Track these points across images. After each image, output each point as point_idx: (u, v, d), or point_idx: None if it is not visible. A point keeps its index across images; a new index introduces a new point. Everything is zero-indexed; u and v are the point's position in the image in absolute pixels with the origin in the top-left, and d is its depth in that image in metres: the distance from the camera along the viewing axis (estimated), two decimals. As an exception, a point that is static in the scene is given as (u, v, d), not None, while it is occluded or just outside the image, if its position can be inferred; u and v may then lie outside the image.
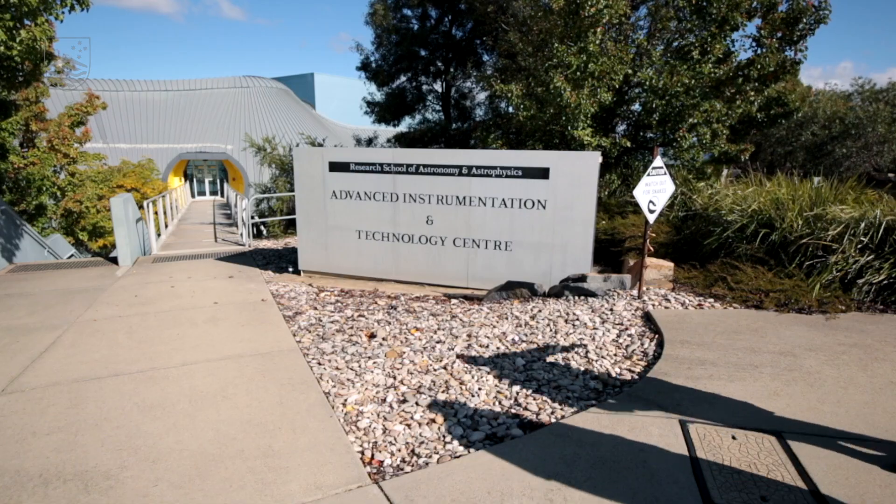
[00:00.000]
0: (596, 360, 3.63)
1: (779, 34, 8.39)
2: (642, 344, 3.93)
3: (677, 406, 2.89)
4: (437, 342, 4.12)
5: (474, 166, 5.74)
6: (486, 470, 2.38)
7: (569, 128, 8.20)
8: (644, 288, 5.20)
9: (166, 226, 12.58)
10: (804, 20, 8.24)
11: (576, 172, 5.38)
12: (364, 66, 18.37)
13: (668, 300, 4.92)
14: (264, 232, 12.34)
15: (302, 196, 6.65)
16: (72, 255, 13.24)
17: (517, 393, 3.21)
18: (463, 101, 18.57)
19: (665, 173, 5.00)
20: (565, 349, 3.87)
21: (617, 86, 8.64)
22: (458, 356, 3.82)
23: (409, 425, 2.88)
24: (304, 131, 23.10)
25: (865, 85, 23.26)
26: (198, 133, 35.95)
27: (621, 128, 10.48)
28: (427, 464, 2.51)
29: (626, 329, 4.22)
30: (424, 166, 5.96)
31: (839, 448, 2.45)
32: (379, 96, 18.79)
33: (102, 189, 15.88)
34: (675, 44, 9.03)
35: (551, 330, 4.29)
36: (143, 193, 16.51)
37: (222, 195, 32.61)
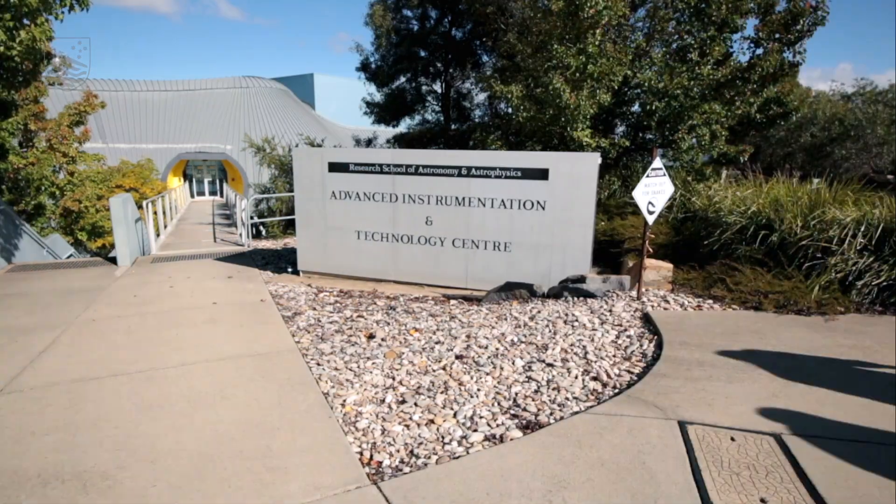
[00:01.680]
0: (595, 362, 3.63)
1: (777, 36, 8.40)
2: (641, 345, 3.93)
3: (676, 407, 2.89)
4: (436, 343, 4.12)
5: (473, 167, 5.75)
6: (484, 471, 2.38)
7: (568, 129, 8.21)
8: (643, 289, 5.20)
9: (165, 226, 12.57)
10: (802, 21, 8.25)
11: (575, 173, 5.39)
12: (364, 67, 18.37)
13: (668, 301, 4.92)
14: (263, 232, 12.34)
15: (301, 196, 6.65)
16: (71, 255, 13.22)
17: (516, 394, 3.21)
18: (462, 101, 18.55)
19: (664, 174, 5.01)
20: (564, 350, 3.87)
21: (616, 87, 8.63)
22: (457, 357, 3.81)
23: (407, 426, 2.88)
24: (304, 132, 23.07)
25: (867, 86, 23.23)
26: (197, 133, 35.94)
27: (620, 129, 10.48)
28: (426, 465, 2.51)
29: (626, 330, 4.22)
30: (424, 167, 5.97)
31: (838, 450, 2.45)
32: (378, 97, 18.78)
33: (101, 189, 15.86)
34: (675, 45, 9.04)
35: (550, 331, 4.29)
36: (143, 193, 16.48)
37: (221, 195, 32.58)
